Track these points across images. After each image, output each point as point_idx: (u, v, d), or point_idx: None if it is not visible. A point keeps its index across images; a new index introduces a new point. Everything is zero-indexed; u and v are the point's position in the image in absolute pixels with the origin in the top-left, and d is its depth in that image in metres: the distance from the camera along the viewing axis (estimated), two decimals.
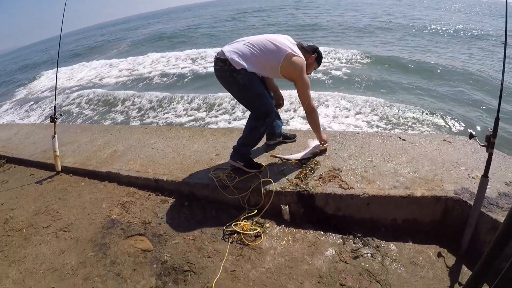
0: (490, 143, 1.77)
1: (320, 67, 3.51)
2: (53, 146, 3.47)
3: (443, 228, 2.24)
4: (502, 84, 1.84)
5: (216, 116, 8.74)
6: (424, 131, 7.01)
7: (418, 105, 8.51)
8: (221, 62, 2.44)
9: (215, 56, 2.52)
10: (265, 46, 2.45)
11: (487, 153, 1.82)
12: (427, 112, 7.98)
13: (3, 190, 3.40)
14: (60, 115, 3.69)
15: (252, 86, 2.46)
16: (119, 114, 10.36)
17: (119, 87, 14.42)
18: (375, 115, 8.05)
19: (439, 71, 11.61)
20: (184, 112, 9.45)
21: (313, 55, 2.68)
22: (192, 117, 9.02)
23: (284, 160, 2.81)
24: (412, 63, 12.55)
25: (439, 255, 2.07)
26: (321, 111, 8.34)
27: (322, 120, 7.73)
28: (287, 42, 2.52)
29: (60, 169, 3.51)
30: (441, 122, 7.43)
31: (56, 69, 3.97)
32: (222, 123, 8.32)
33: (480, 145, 1.83)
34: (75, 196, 3.04)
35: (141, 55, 21.67)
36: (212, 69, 2.63)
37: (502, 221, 1.80)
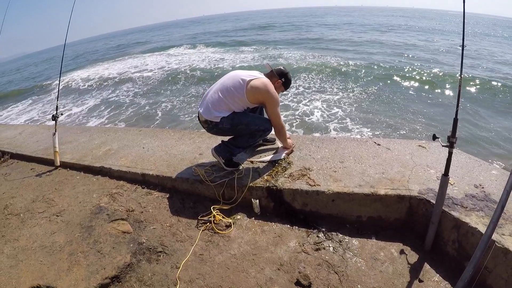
0: (450, 142, 2.04)
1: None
2: (53, 143, 4.02)
3: (408, 227, 2.55)
4: (460, 85, 2.09)
5: None
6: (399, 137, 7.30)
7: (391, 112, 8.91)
8: (205, 123, 3.00)
9: (198, 119, 3.08)
10: (228, 87, 2.92)
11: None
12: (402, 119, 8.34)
13: (5, 181, 3.97)
14: (61, 114, 4.24)
15: (238, 122, 2.93)
16: (168, 103, 11.66)
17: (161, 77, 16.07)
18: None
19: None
20: None
21: (280, 80, 3.11)
22: None
23: (260, 162, 3.23)
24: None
25: (402, 252, 2.36)
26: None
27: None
28: (246, 73, 2.98)
29: (58, 164, 4.06)
30: (417, 128, 7.74)
31: (60, 68, 4.51)
32: None
33: (443, 146, 2.09)
34: (70, 187, 3.56)
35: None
36: None
37: (464, 220, 2.14)
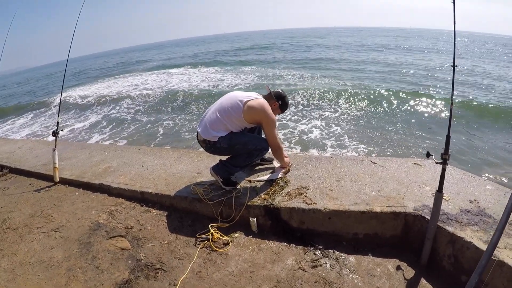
0: (443, 159, 2.12)
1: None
2: (53, 159, 4.10)
3: (404, 243, 2.60)
4: (451, 104, 2.22)
5: None
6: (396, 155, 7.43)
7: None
8: (203, 143, 3.10)
9: (197, 138, 3.18)
10: (226, 107, 3.03)
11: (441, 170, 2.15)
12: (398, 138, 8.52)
13: (3, 196, 4.03)
14: (62, 130, 4.33)
15: (236, 142, 3.03)
16: (170, 120, 11.92)
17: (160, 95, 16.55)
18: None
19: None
20: None
21: (277, 102, 3.22)
22: None
23: (258, 181, 3.30)
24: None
25: (398, 268, 2.41)
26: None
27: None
28: (244, 94, 3.10)
29: (58, 180, 4.13)
30: (413, 146, 7.89)
31: (62, 84, 4.63)
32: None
33: (436, 163, 2.17)
34: (69, 203, 3.61)
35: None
36: None
37: (459, 235, 2.20)
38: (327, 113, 10.84)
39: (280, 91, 3.26)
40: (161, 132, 10.47)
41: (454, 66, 2.26)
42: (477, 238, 2.14)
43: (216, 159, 3.36)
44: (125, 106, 14.98)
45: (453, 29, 2.28)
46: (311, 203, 2.78)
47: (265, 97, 3.17)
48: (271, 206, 2.85)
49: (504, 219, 1.73)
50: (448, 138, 2.13)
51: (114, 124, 12.21)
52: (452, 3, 2.20)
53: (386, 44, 43.57)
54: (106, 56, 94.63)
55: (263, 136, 3.24)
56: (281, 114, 3.53)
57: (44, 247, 2.87)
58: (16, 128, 14.33)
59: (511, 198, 1.73)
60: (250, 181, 3.30)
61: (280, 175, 3.26)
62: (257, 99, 3.03)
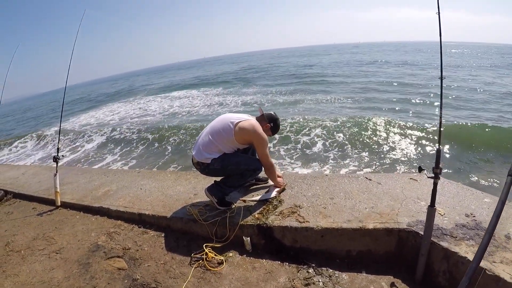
0: (435, 173, 2.17)
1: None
2: (55, 183, 4.34)
3: (399, 259, 2.67)
4: (440, 116, 2.27)
5: None
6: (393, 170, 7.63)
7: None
8: (197, 165, 3.30)
9: (192, 161, 3.37)
10: (218, 129, 3.23)
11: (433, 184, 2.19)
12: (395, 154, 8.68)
13: (7, 220, 4.27)
14: (62, 156, 4.58)
15: (228, 163, 3.21)
16: (175, 136, 12.57)
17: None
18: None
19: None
20: None
21: (269, 124, 3.39)
22: None
23: (252, 201, 3.45)
24: None
25: (393, 285, 2.46)
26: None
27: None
28: (235, 116, 3.29)
29: (59, 204, 4.37)
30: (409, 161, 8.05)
31: (61, 109, 4.88)
32: None
33: (428, 177, 2.23)
34: (70, 226, 3.83)
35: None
36: None
37: (454, 250, 2.23)
38: (328, 123, 11.19)
39: (273, 113, 3.44)
40: (170, 149, 10.93)
41: (441, 78, 2.35)
42: (472, 253, 2.15)
43: (212, 180, 3.52)
44: (128, 127, 15.41)
45: (439, 40, 2.40)
46: (304, 222, 2.90)
47: (257, 118, 3.35)
48: (264, 225, 2.98)
49: (486, 240, 1.76)
50: (438, 151, 2.18)
51: (122, 144, 12.73)
52: (437, 15, 2.32)
53: (385, 59, 44.67)
54: (110, 81, 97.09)
55: (256, 156, 3.40)
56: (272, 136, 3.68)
57: (45, 268, 3.05)
58: (30, 151, 15.01)
59: (493, 214, 1.76)
60: (244, 201, 3.45)
61: (274, 194, 3.41)
62: (248, 120, 3.22)
